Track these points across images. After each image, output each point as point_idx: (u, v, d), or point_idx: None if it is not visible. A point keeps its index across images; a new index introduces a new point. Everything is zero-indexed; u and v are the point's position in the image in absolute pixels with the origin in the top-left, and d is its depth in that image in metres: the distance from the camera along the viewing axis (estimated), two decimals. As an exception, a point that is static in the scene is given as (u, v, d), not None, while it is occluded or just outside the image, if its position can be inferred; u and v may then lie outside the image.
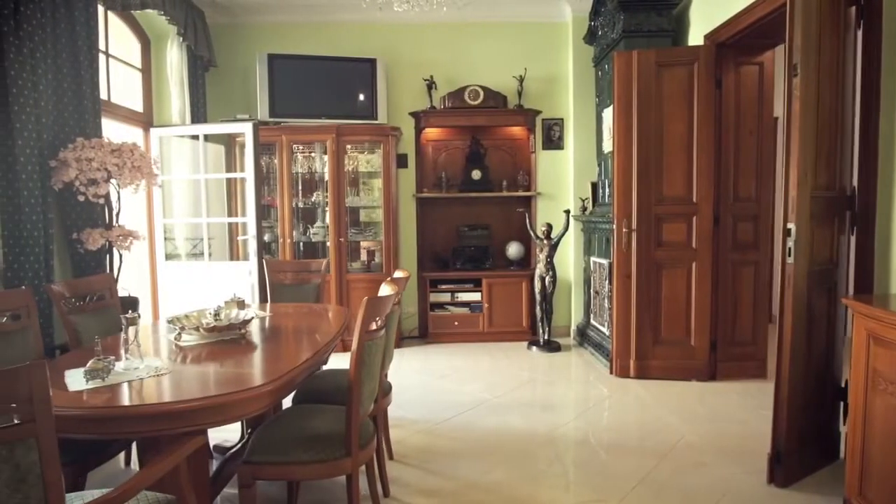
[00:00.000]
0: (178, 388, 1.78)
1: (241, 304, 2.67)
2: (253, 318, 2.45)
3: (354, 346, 1.91)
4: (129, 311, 1.92)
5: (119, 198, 3.43)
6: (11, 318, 2.23)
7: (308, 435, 1.99)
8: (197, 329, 2.27)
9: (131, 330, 1.92)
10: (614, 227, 4.10)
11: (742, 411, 3.49)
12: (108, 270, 3.51)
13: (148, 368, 1.86)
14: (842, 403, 2.77)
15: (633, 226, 4.03)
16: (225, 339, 2.31)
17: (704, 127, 3.90)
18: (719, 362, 4.05)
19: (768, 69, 3.97)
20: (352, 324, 2.16)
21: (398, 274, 2.58)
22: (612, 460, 2.88)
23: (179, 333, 2.29)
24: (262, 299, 4.19)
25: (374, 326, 1.99)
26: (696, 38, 4.13)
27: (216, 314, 2.38)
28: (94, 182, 3.16)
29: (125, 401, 1.67)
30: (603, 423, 3.42)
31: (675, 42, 4.35)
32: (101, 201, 3.29)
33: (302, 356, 2.02)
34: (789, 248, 2.47)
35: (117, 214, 3.43)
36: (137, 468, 2.40)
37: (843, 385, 2.79)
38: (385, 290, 2.06)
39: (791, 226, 2.46)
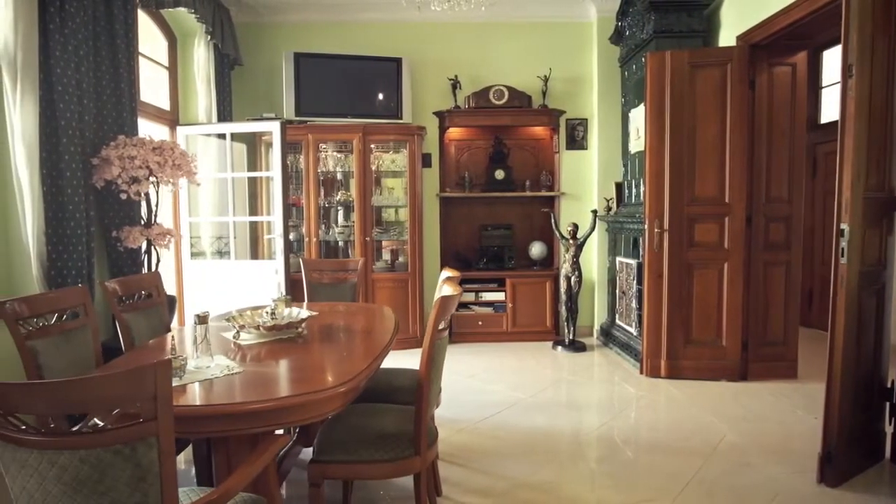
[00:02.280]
0: (255, 388, 1.77)
1: (289, 303, 2.67)
2: (308, 316, 2.44)
3: (426, 345, 1.91)
4: (200, 312, 1.91)
5: (158, 196, 3.42)
6: (71, 317, 2.23)
7: (375, 434, 1.98)
8: (257, 328, 2.26)
9: (200, 328, 1.91)
10: (646, 227, 4.10)
11: (778, 411, 3.49)
12: (144, 269, 3.50)
13: (220, 367, 1.86)
14: (888, 404, 2.79)
15: (665, 226, 4.04)
16: (283, 338, 2.30)
17: (737, 128, 3.91)
18: (750, 363, 4.05)
19: (801, 70, 3.98)
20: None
21: (447, 273, 2.57)
22: (657, 460, 2.88)
23: (238, 332, 2.29)
24: (293, 298, 4.18)
25: (441, 325, 1.99)
26: (726, 39, 4.14)
27: (272, 313, 2.37)
28: (136, 180, 3.15)
29: (205, 400, 1.66)
30: (641, 423, 3.42)
31: (705, 43, 4.35)
32: (143, 199, 3.29)
33: (369, 356, 2.01)
34: (842, 249, 2.48)
35: (156, 213, 3.42)
36: (195, 469, 2.40)
37: (888, 386, 2.81)
38: (447, 289, 2.06)
39: (845, 226, 2.46)
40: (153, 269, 3.45)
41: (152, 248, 3.41)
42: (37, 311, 2.03)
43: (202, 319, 1.88)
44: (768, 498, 2.48)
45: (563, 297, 5.04)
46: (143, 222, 3.39)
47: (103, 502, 1.13)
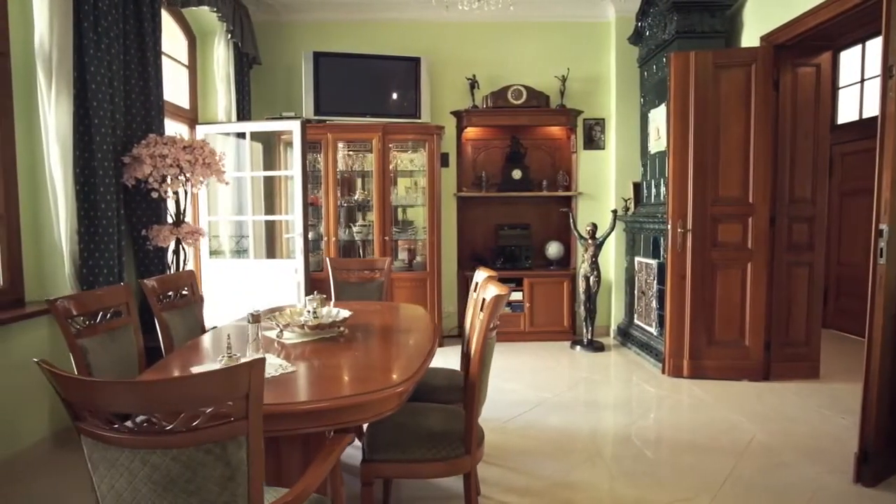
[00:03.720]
0: (314, 387, 1.77)
1: (324, 302, 2.66)
2: (348, 316, 2.44)
3: (478, 344, 1.91)
4: (254, 310, 1.91)
5: (187, 195, 3.41)
6: (114, 315, 2.22)
7: (426, 433, 1.98)
8: (301, 326, 2.26)
9: (253, 328, 1.91)
10: (669, 227, 4.11)
11: (804, 411, 3.50)
12: (170, 268, 3.49)
13: (273, 366, 1.85)
14: (922, 404, 2.79)
15: (689, 226, 4.04)
16: (325, 337, 2.30)
17: (762, 128, 3.92)
18: (772, 363, 4.06)
19: (825, 71, 3.99)
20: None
21: (485, 273, 2.57)
22: (690, 458, 2.89)
23: (281, 331, 2.29)
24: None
25: (491, 325, 1.99)
26: (749, 39, 4.15)
27: (314, 312, 2.37)
28: (166, 178, 3.14)
29: (270, 399, 1.66)
30: (669, 422, 3.43)
31: (727, 44, 4.36)
32: (171, 198, 3.28)
33: (420, 356, 2.01)
34: (881, 249, 2.48)
35: (184, 211, 3.41)
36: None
37: (923, 385, 2.81)
38: (494, 289, 2.05)
39: (883, 227, 2.47)
40: (181, 267, 3.44)
41: (180, 246, 3.41)
42: (85, 310, 2.02)
43: (256, 318, 1.88)
44: (806, 497, 2.49)
45: (582, 296, 5.04)
46: (171, 221, 3.38)
47: (192, 501, 1.12)
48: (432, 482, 2.56)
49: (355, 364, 2.05)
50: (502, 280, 5.17)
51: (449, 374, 2.73)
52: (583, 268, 5.02)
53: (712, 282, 4.06)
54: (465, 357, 2.44)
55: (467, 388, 1.96)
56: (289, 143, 4.92)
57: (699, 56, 3.98)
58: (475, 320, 2.14)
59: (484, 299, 2.06)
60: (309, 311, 2.37)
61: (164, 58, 4.27)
